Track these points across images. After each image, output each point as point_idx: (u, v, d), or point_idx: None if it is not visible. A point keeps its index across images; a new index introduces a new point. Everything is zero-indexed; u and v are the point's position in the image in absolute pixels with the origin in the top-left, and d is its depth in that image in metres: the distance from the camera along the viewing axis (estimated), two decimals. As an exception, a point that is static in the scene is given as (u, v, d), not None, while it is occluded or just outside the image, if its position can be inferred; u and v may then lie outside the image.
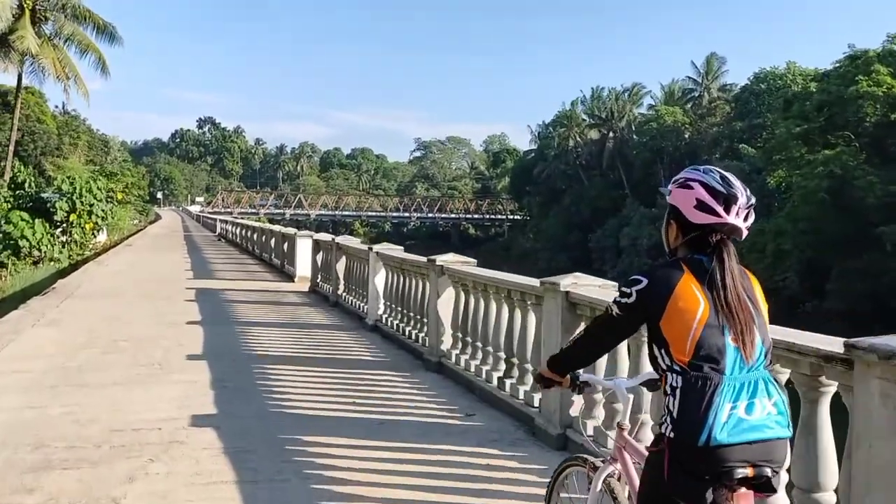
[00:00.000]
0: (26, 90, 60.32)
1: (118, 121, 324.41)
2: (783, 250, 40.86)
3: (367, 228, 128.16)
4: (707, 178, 2.53)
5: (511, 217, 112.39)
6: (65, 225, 30.16)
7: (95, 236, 32.44)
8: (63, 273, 24.26)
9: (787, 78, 60.84)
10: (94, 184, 30.31)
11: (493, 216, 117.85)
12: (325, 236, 17.40)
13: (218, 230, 50.30)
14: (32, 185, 29.87)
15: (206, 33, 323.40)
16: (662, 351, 2.47)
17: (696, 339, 2.39)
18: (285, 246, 22.32)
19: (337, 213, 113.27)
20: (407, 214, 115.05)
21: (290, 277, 20.38)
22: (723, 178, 2.54)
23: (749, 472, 2.36)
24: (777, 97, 60.50)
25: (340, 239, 15.46)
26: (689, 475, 2.38)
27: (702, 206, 2.50)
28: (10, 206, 29.07)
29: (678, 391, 2.39)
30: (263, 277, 21.32)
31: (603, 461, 3.14)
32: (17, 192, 29.64)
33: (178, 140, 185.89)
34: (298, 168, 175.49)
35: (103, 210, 30.72)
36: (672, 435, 2.38)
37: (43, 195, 30.47)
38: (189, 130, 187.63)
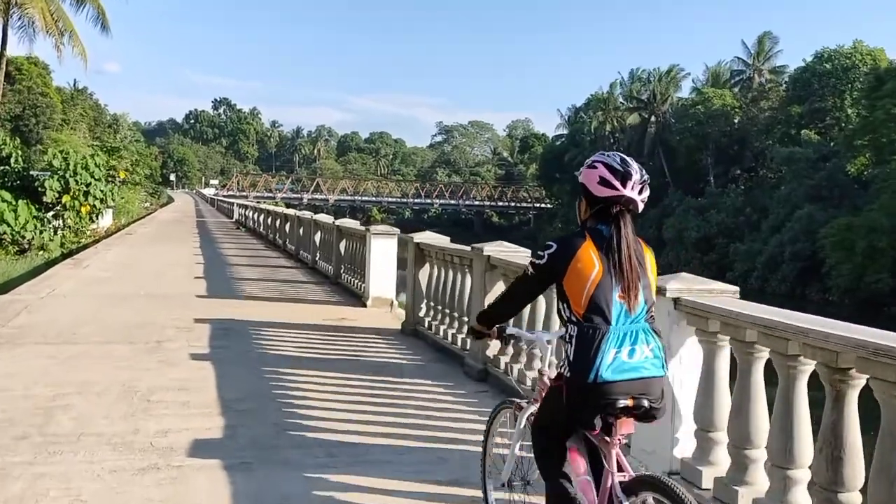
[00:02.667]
0: (28, 60, 56.14)
1: (133, 102, 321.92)
2: (877, 248, 35.90)
3: (384, 215, 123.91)
4: (608, 160, 3.00)
5: (538, 205, 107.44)
6: (57, 208, 25.77)
7: (94, 221, 27.94)
8: (52, 263, 19.94)
9: (856, 57, 55.52)
10: (92, 160, 25.86)
11: (517, 204, 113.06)
12: (430, 236, 9.99)
13: (235, 216, 44.71)
14: (20, 159, 25.42)
15: (222, 17, 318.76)
16: (564, 305, 2.99)
17: (590, 295, 2.88)
18: (347, 247, 14.73)
19: (357, 198, 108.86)
20: (429, 201, 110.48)
21: (355, 297, 13.07)
22: (622, 159, 2.99)
23: (629, 402, 2.86)
24: (845, 79, 55.34)
25: (440, 242, 9.57)
26: (583, 406, 2.90)
27: (603, 182, 2.94)
28: (-8, 184, 24.71)
29: (574, 339, 2.90)
30: (313, 295, 13.74)
31: (527, 402, 3.60)
32: (2, 168, 25.23)
33: (192, 121, 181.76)
34: (315, 152, 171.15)
35: (102, 191, 26.28)
36: (568, 374, 2.92)
37: (33, 173, 26.07)
38: (204, 111, 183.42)
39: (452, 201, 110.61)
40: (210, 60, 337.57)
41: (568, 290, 2.93)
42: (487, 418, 3.99)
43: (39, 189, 24.73)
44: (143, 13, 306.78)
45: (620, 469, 2.94)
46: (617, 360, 2.82)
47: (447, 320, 8.85)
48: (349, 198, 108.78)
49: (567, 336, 2.94)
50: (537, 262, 3.03)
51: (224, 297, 12.67)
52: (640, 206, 2.96)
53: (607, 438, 2.98)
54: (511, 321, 3.66)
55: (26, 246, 24.23)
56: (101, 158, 26.71)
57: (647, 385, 2.87)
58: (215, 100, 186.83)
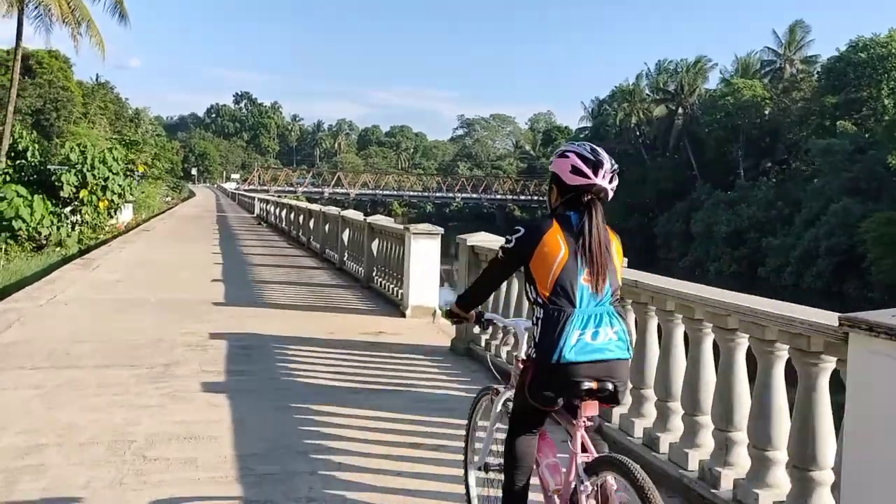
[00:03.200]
0: (49, 53, 55.68)
1: (154, 97, 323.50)
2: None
3: (405, 209, 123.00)
4: (579, 149, 3.11)
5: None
6: (75, 203, 25.06)
7: (112, 216, 27.23)
8: (69, 260, 19.19)
9: (892, 46, 53.74)
10: (110, 154, 25.12)
11: (540, 197, 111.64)
12: (486, 238, 8.75)
13: (256, 211, 44.01)
14: (36, 153, 24.73)
15: (243, 12, 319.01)
16: (531, 287, 3.07)
17: (556, 277, 2.97)
18: (381, 247, 13.46)
19: (378, 192, 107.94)
20: (451, 195, 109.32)
21: (391, 304, 11.79)
22: (592, 149, 3.12)
23: (593, 385, 2.93)
24: (881, 68, 53.58)
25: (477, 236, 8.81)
26: (546, 386, 2.97)
27: (576, 170, 3.05)
28: (8, 178, 24.03)
29: (540, 321, 2.99)
30: (344, 302, 12.45)
31: (504, 387, 3.70)
32: (18, 161, 24.55)
33: (213, 115, 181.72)
34: (336, 145, 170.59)
35: (120, 185, 25.53)
36: (534, 355, 3.00)
37: (50, 167, 25.38)
38: (225, 106, 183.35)
39: (474, 195, 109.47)
40: (231, 55, 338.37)
41: (535, 272, 3.03)
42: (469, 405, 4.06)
43: (56, 184, 24.04)
44: (165, 8, 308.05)
45: (585, 450, 3.00)
46: (581, 342, 2.90)
47: (511, 339, 7.34)
48: (370, 191, 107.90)
49: (534, 318, 3.05)
50: (507, 246, 3.16)
51: (244, 305, 11.31)
52: (610, 194, 3.10)
53: (573, 420, 3.05)
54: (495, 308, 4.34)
55: (43, 242, 23.56)
56: (120, 152, 25.99)
57: (610, 368, 2.96)
58: (236, 94, 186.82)
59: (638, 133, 78.09)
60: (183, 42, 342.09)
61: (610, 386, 2.94)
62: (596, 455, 2.98)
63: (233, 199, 75.11)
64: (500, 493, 3.36)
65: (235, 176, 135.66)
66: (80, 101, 54.90)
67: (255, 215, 42.58)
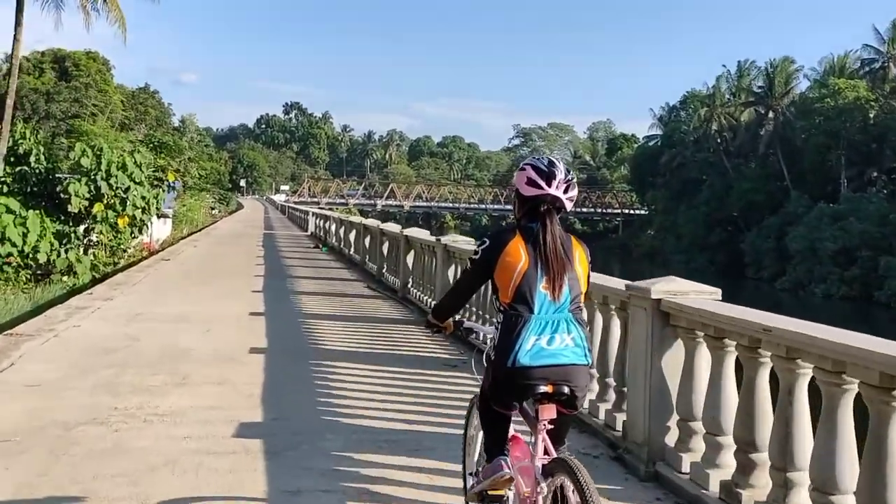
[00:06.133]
0: (88, 55, 51.72)
1: (207, 110, 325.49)
2: None
3: (458, 221, 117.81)
4: (536, 162, 3.25)
5: (629, 212, 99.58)
6: (88, 220, 20.11)
7: (135, 236, 22.11)
8: (78, 291, 14.04)
9: None
10: (131, 158, 20.06)
11: (603, 210, 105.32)
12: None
13: (311, 228, 36.28)
14: (42, 158, 19.79)
15: (296, 27, 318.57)
16: (495, 296, 3.21)
17: (517, 285, 3.07)
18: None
19: (433, 204, 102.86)
20: (508, 207, 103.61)
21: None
22: (549, 161, 3.25)
23: (549, 388, 3.03)
24: None
25: None
26: (502, 389, 3.12)
27: (531, 182, 3.19)
28: (6, 189, 19.16)
29: (500, 326, 3.12)
30: None
31: None
32: (19, 168, 19.64)
33: (263, 126, 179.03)
34: (387, 156, 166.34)
35: (144, 198, 20.48)
36: (493, 358, 3.13)
37: (59, 175, 20.48)
38: (275, 116, 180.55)
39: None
40: (280, 67, 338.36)
41: (498, 281, 3.15)
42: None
43: (63, 195, 19.09)
44: (215, 22, 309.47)
45: (547, 453, 3.07)
46: (536, 347, 3.01)
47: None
48: (425, 204, 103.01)
49: (497, 324, 3.19)
50: (474, 257, 3.26)
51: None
52: (569, 205, 3.22)
53: (536, 423, 3.11)
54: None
55: (45, 270, 18.60)
56: (144, 156, 20.87)
57: (566, 372, 3.04)
58: (286, 104, 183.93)
59: (719, 140, 71.43)
60: (233, 54, 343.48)
61: (566, 390, 3.04)
62: (552, 457, 3.04)
63: (282, 213, 70.29)
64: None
65: (285, 187, 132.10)
66: (119, 107, 50.54)
67: (309, 233, 36.62)
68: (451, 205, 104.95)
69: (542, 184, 3.12)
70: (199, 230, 38.38)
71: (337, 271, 19.20)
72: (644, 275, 6.71)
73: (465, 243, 10.79)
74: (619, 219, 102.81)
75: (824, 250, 51.54)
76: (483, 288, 5.45)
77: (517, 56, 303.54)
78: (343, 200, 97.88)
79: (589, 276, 3.24)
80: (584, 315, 3.18)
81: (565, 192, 3.16)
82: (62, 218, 19.47)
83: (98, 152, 19.74)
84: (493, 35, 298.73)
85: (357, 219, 21.12)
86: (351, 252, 21.88)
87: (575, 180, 3.21)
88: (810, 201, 57.81)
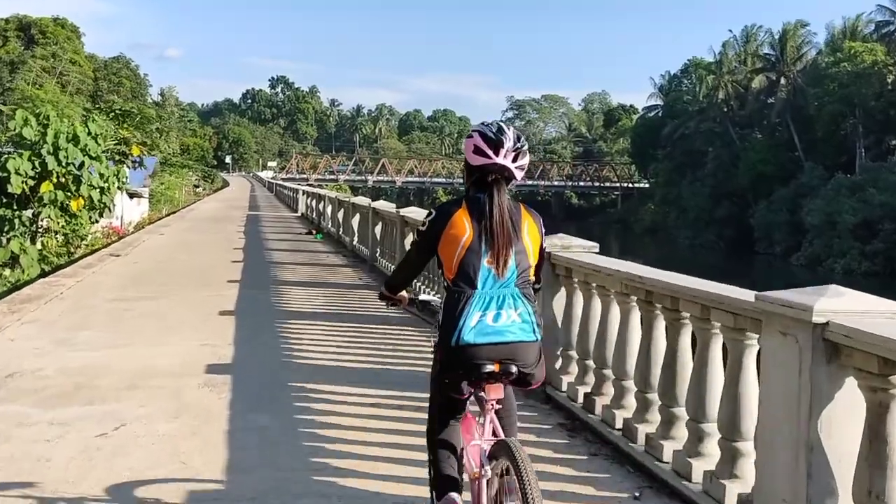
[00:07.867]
0: (55, 22, 48.05)
1: (191, 85, 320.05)
2: None
3: (451, 196, 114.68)
4: (484, 129, 2.99)
5: (628, 185, 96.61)
6: (35, 203, 16.96)
7: (95, 220, 18.90)
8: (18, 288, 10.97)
9: None
10: (84, 128, 16.86)
11: (601, 183, 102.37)
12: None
13: (301, 209, 32.24)
14: (-22, 130, 16.62)
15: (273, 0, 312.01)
16: (441, 271, 3.01)
17: (460, 259, 2.88)
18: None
19: (426, 179, 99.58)
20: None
21: None
22: (498, 128, 2.98)
23: (495, 367, 2.84)
24: None
25: None
26: (449, 369, 2.91)
27: (478, 150, 2.96)
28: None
29: (444, 303, 2.94)
30: None
31: None
32: (-50, 143, 16.46)
33: (249, 101, 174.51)
34: (376, 131, 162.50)
35: (103, 175, 17.31)
36: (437, 338, 2.94)
37: None
38: (261, 91, 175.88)
39: (529, 181, 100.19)
40: (267, 43, 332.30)
41: (442, 255, 2.97)
42: None
43: (2, 174, 15.91)
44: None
45: (495, 434, 2.96)
46: (481, 324, 2.83)
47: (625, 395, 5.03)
48: (417, 179, 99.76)
49: (443, 301, 3.00)
50: (421, 229, 3.07)
51: None
52: (518, 174, 2.98)
53: (483, 404, 2.97)
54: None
55: (-18, 263, 15.48)
56: (101, 125, 17.66)
57: (513, 350, 2.87)
58: (272, 78, 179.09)
59: (726, 109, 68.36)
60: (220, 32, 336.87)
61: (513, 368, 2.88)
62: (497, 439, 2.93)
63: (270, 190, 66.73)
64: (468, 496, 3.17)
65: (272, 164, 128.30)
66: (90, 77, 46.86)
67: (299, 214, 33.00)
68: (443, 180, 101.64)
69: (490, 152, 2.94)
70: (172, 213, 35.03)
71: (332, 266, 15.26)
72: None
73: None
74: (617, 192, 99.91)
75: (843, 223, 48.81)
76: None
77: (509, 27, 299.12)
78: (333, 177, 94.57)
79: (542, 249, 3.06)
80: (533, 290, 2.99)
81: (514, 160, 2.96)
82: (3, 201, 16.32)
83: (45, 121, 16.54)
84: (483, 11, 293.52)
85: (375, 205, 14.38)
86: (354, 240, 17.24)
87: (526, 148, 3.00)
88: (825, 172, 55.07)
